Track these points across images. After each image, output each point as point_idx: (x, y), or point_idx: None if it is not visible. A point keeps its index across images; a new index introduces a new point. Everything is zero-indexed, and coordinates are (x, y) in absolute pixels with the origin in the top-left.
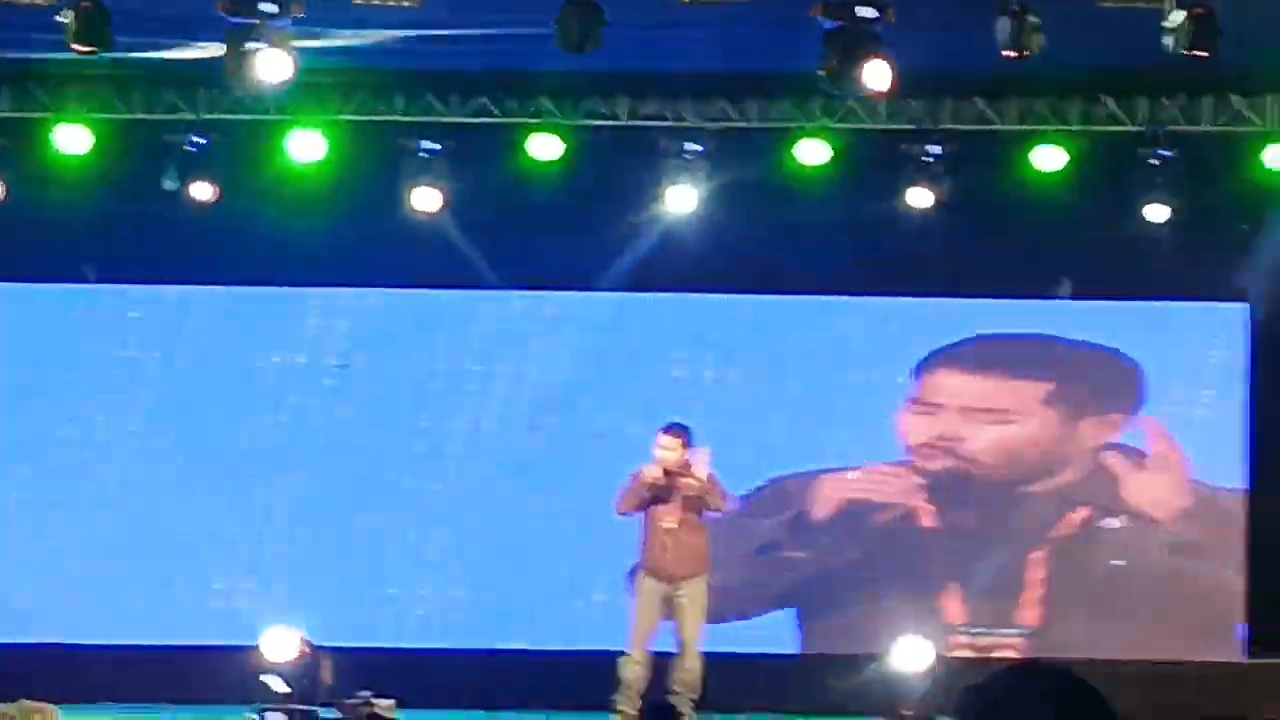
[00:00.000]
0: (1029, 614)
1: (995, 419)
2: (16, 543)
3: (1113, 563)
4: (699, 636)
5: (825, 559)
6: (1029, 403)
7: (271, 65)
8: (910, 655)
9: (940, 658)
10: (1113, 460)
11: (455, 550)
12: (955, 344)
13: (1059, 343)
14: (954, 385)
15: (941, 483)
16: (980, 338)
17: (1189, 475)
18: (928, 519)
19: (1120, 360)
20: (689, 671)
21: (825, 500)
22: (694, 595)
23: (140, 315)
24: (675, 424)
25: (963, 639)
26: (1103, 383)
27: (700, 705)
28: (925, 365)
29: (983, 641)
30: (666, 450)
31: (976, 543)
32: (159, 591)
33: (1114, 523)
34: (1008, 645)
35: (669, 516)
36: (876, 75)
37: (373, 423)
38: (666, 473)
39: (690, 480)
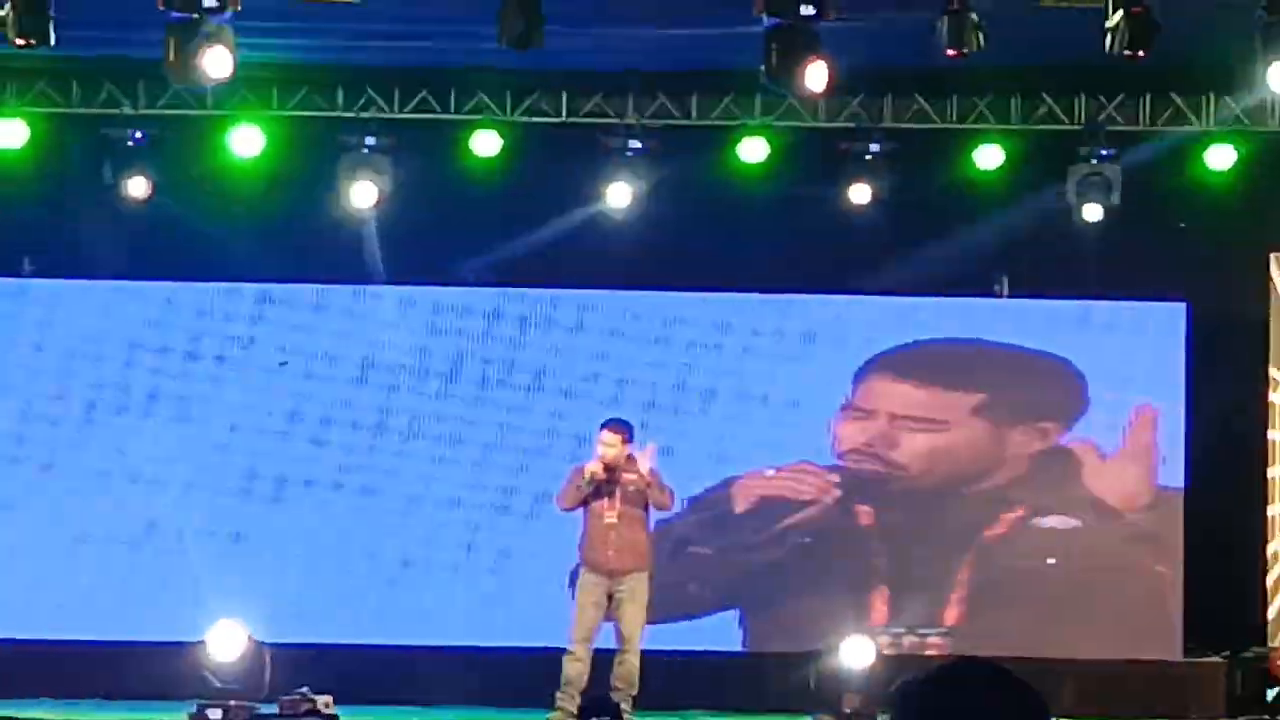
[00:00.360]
0: (952, 614)
1: (925, 427)
2: None
3: (1048, 561)
4: (640, 632)
5: (746, 558)
6: (959, 413)
7: (214, 63)
8: (852, 652)
9: (881, 655)
10: (1078, 449)
11: (394, 546)
12: (893, 349)
13: (1000, 349)
14: (887, 392)
15: (870, 486)
16: (918, 343)
17: (1155, 471)
18: (855, 520)
19: (1063, 367)
20: (628, 667)
21: (740, 497)
22: (635, 590)
23: (78, 309)
24: (617, 420)
25: (886, 640)
26: (1042, 390)
27: (639, 703)
28: (863, 371)
29: (906, 642)
30: (608, 446)
31: (904, 544)
32: (94, 586)
33: (1048, 522)
34: (931, 646)
35: (610, 512)
36: (814, 76)
37: (311, 418)
38: (608, 468)
39: (632, 475)
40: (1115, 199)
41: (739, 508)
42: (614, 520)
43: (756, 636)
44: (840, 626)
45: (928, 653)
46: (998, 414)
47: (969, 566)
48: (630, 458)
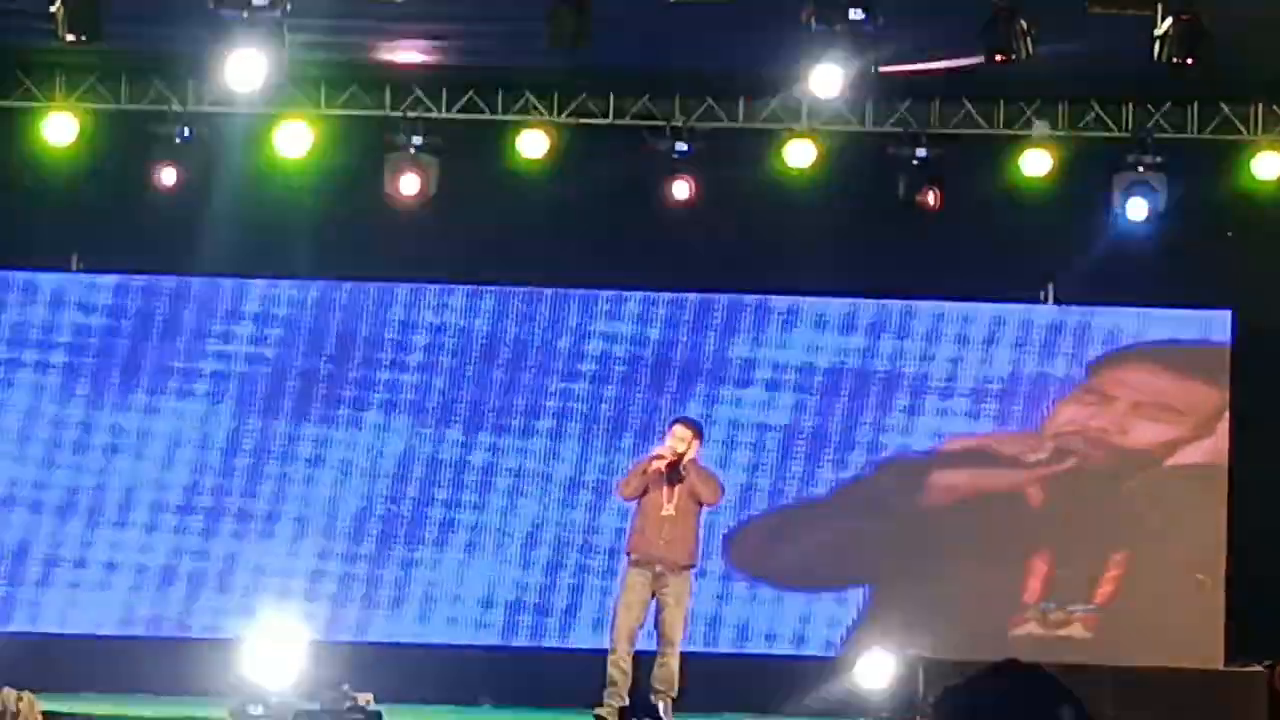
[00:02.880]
0: (1104, 592)
1: (1161, 418)
2: None
3: (1198, 576)
4: (680, 634)
5: (917, 531)
6: (1207, 408)
7: (240, 73)
8: (872, 669)
9: (902, 667)
10: None
11: (439, 546)
12: (1152, 343)
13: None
14: (1135, 379)
15: (1068, 472)
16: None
17: None
18: (1035, 500)
19: None
20: (668, 668)
21: (934, 488)
22: (678, 592)
23: (127, 304)
24: (688, 417)
25: (1030, 616)
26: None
27: (679, 704)
28: (1109, 357)
29: (1052, 618)
30: (678, 440)
31: (1077, 525)
32: (143, 582)
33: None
34: (1076, 621)
35: (667, 504)
36: (824, 81)
37: (360, 416)
38: (671, 464)
39: (689, 467)
40: (1163, 206)
41: (926, 498)
42: (670, 513)
43: (883, 611)
44: (972, 605)
45: (1067, 630)
46: (1238, 416)
47: (1127, 549)
48: (695, 460)
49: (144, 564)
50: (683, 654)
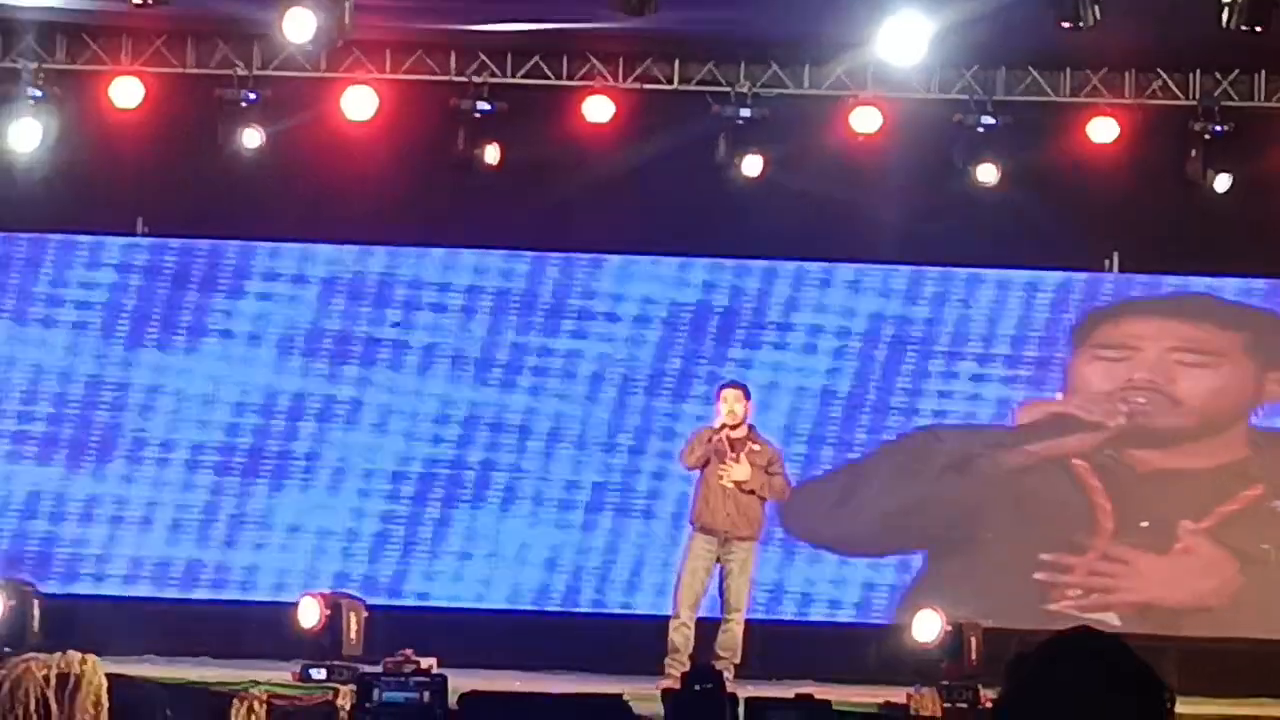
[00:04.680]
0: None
1: (1200, 362)
2: (61, 493)
3: (1263, 546)
4: (746, 601)
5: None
6: (1231, 349)
7: (295, 25)
8: (922, 628)
9: (951, 629)
10: None
11: (500, 512)
12: (1120, 303)
13: (1224, 301)
14: (1150, 329)
15: (1136, 428)
16: (1157, 296)
17: None
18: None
19: None
20: (732, 635)
21: (1024, 413)
22: (743, 560)
23: (193, 268)
24: (734, 380)
25: (1069, 605)
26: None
27: (741, 671)
28: (1102, 316)
29: (1091, 600)
30: (734, 403)
31: (1132, 512)
32: (203, 545)
33: None
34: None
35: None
36: (903, 46)
37: (429, 383)
38: (733, 428)
39: (757, 447)
40: (1230, 175)
41: (1023, 420)
42: (732, 485)
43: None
44: (1005, 586)
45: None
46: (1260, 352)
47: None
48: (752, 427)
49: (207, 525)
50: (746, 621)
